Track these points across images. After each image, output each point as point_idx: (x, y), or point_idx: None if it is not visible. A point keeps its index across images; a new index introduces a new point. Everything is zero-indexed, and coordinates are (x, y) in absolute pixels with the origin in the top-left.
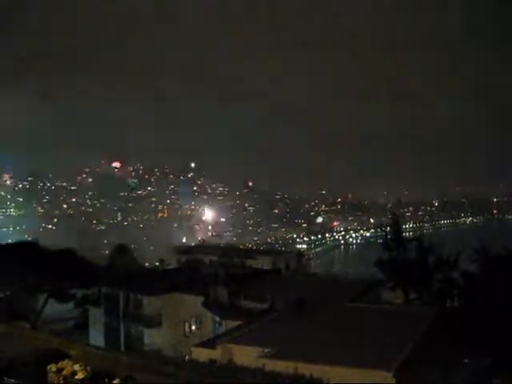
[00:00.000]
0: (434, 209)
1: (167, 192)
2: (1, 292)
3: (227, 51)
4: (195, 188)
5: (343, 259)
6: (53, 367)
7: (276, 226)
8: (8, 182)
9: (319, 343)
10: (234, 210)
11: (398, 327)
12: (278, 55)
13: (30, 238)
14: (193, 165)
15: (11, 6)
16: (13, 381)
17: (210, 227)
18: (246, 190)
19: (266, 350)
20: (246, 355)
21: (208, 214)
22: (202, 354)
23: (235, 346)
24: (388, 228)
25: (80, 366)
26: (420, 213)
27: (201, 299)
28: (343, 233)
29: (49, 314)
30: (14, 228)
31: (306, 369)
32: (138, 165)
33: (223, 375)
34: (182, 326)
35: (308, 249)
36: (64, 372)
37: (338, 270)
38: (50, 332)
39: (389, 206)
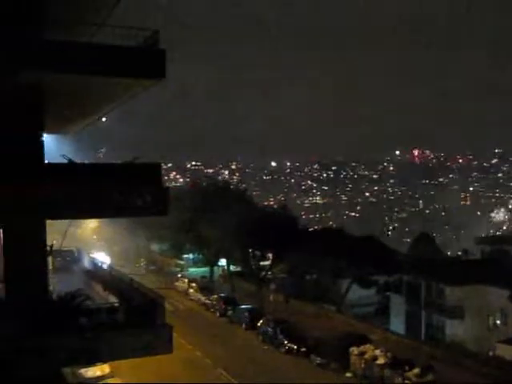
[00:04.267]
0: None
1: (470, 179)
2: (309, 275)
3: None
4: (500, 175)
5: None
6: (355, 350)
7: None
8: (315, 172)
9: None
10: None
11: None
12: None
13: (334, 225)
14: (496, 150)
15: None
16: (319, 359)
17: None
18: None
19: None
20: None
21: None
22: (508, 352)
23: None
24: None
25: (381, 351)
26: None
27: (507, 293)
28: None
29: (352, 298)
30: (320, 215)
31: None
32: (440, 152)
33: None
34: (486, 320)
35: None
36: (365, 356)
37: None
38: (352, 316)
39: None
